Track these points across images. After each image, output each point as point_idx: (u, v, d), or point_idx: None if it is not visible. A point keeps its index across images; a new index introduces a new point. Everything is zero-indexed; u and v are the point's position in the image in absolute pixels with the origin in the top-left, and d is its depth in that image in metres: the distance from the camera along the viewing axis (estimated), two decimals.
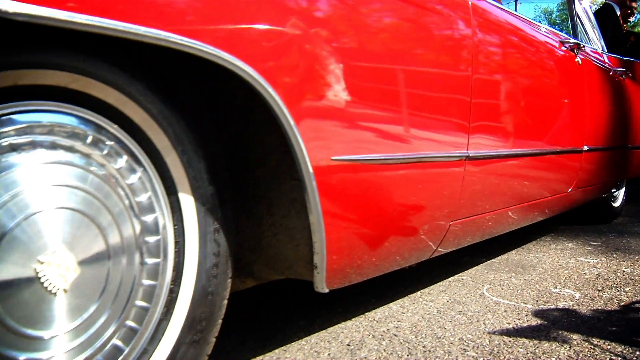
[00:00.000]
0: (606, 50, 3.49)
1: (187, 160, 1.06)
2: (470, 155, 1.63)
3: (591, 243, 3.02)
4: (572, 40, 2.49)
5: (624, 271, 2.43)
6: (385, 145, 1.30)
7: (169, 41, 0.84)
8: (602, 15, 5.09)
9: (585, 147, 2.59)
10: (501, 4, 3.01)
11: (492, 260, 2.59)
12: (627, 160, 3.38)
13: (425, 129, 1.44)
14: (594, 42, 3.38)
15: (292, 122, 1.05)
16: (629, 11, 5.27)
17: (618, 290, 2.13)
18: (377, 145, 1.28)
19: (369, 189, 1.29)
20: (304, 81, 1.07)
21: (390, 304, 1.95)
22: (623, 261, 2.61)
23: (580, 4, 3.30)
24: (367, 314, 1.85)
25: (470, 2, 1.66)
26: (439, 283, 2.21)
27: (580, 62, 2.52)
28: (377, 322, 1.76)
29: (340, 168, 1.18)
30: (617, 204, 3.75)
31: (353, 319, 1.79)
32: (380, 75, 1.27)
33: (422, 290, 2.11)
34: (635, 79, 3.72)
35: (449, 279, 2.27)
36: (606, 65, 3.12)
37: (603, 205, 3.56)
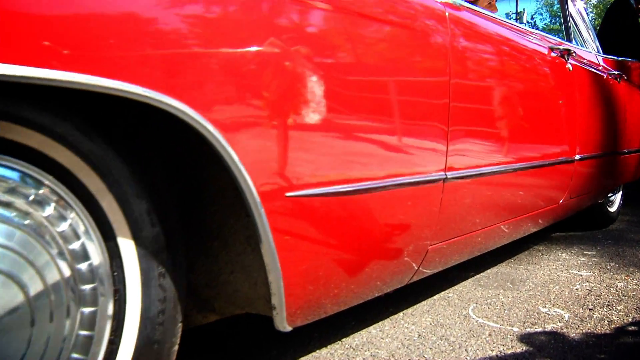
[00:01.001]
0: (601, 52, 3.39)
1: (126, 202, 0.98)
2: (449, 176, 1.54)
3: (585, 253, 2.93)
4: (562, 46, 2.39)
5: (617, 286, 2.34)
6: (349, 175, 1.21)
7: (78, 83, 0.76)
8: (619, 9, 4.97)
9: (577, 157, 2.50)
10: (494, 10, 2.92)
11: (481, 274, 2.51)
12: (623, 165, 3.28)
13: (394, 153, 1.35)
14: (589, 44, 3.29)
15: (237, 160, 0.96)
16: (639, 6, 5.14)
17: (610, 309, 2.05)
18: (340, 176, 1.19)
19: (331, 223, 1.21)
20: (246, 115, 0.98)
21: (370, 328, 1.86)
22: (617, 274, 2.52)
23: (575, 5, 3.20)
24: (344, 339, 1.77)
25: (447, 14, 1.57)
26: (423, 302, 2.12)
27: (571, 68, 2.43)
28: (354, 349, 1.68)
29: (297, 204, 1.10)
30: (613, 208, 3.65)
31: (329, 346, 1.71)
32: (341, 99, 1.18)
33: (404, 311, 2.03)
34: (631, 79, 3.62)
35: (435, 297, 2.19)
36: (600, 68, 3.02)
37: (599, 211, 3.46)
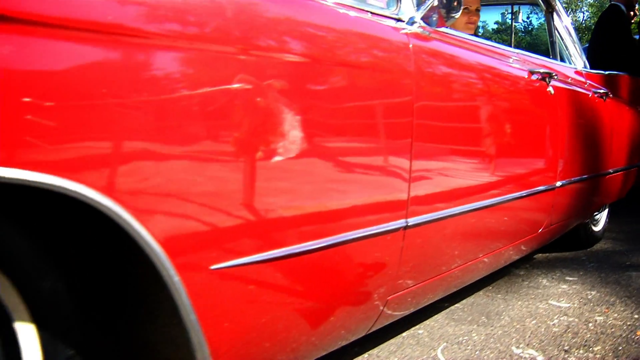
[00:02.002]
0: (588, 66, 3.29)
1: (25, 281, 0.87)
2: (410, 223, 1.43)
3: (567, 278, 2.83)
4: (543, 69, 2.28)
5: (596, 320, 2.24)
6: (289, 235, 1.10)
7: None
8: (612, 17, 4.85)
9: (559, 183, 2.40)
10: (475, 20, 2.80)
11: (455, 305, 2.41)
12: (608, 185, 3.19)
13: (343, 203, 1.24)
14: (575, 58, 3.18)
15: (145, 235, 0.85)
16: (632, 12, 5.03)
17: (586, 350, 1.95)
18: (280, 238, 1.08)
19: (270, 290, 1.10)
20: (153, 183, 0.87)
21: None
22: (597, 306, 2.43)
23: (561, 20, 3.09)
24: None
25: (411, 46, 1.46)
26: (391, 340, 2.02)
27: (552, 91, 2.32)
28: None
29: (227, 276, 0.99)
30: (598, 227, 3.56)
31: None
32: (275, 153, 1.07)
33: (370, 352, 1.92)
34: (619, 95, 3.52)
35: (404, 333, 2.08)
36: (585, 86, 2.92)
37: (583, 230, 3.36)
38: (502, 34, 32.84)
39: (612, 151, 3.11)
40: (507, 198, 1.95)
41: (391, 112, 1.38)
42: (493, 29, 34.23)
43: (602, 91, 3.02)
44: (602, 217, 3.63)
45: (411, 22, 1.55)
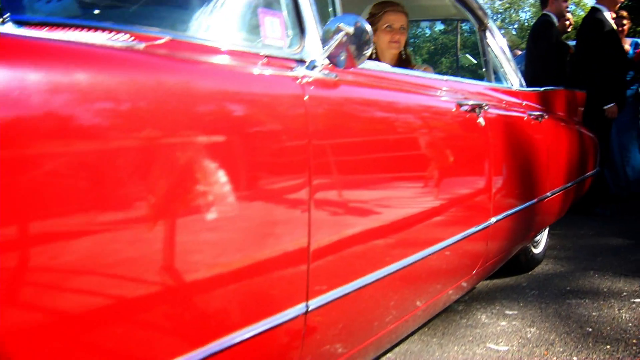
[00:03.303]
0: (524, 85, 3.17)
1: None
2: (311, 307, 1.22)
3: (506, 312, 2.69)
4: (472, 101, 2.11)
5: None
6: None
7: None
8: (543, 28, 4.81)
9: (494, 219, 2.25)
10: (406, 49, 2.63)
11: (387, 355, 2.22)
12: (547, 208, 3.07)
13: (222, 299, 1.02)
14: (511, 76, 3.06)
15: None
16: (567, 22, 5.00)
17: None
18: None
19: None
20: None
21: None
22: (536, 347, 2.29)
23: (495, 38, 2.96)
24: None
25: (306, 98, 1.24)
26: None
27: (483, 122, 2.16)
28: None
29: None
30: (539, 249, 3.46)
31: None
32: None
33: None
34: (554, 111, 3.44)
35: None
36: (520, 109, 2.79)
37: (523, 254, 3.25)
38: (449, 34, 33.28)
39: (549, 174, 2.99)
40: (433, 250, 1.76)
41: (284, 178, 1.16)
42: (440, 30, 34.65)
43: (537, 113, 2.90)
44: (543, 238, 3.53)
45: (312, 66, 1.34)
